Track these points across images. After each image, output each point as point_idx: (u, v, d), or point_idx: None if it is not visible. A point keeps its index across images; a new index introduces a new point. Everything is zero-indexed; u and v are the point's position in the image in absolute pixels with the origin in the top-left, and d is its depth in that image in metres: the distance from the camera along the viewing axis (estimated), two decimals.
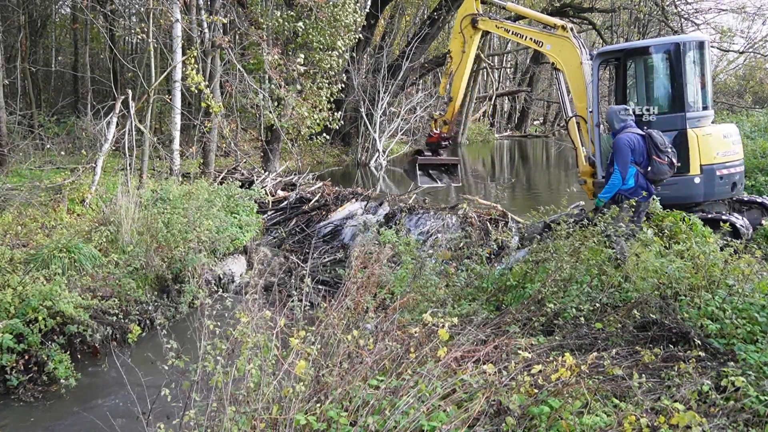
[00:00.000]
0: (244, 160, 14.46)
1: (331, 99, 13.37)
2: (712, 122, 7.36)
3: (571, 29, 7.83)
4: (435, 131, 9.21)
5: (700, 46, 7.08)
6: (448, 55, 9.02)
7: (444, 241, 8.95)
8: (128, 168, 8.80)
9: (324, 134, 13.25)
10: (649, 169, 6.01)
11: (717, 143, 6.92)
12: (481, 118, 36.98)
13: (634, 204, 5.80)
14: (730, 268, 4.33)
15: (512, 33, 8.56)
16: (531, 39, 8.24)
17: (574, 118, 7.78)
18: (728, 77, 33.25)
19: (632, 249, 4.97)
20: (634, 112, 7.20)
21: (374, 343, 3.49)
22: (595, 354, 3.23)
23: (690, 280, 4.30)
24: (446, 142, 9.38)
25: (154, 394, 3.48)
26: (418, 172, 9.18)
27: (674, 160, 6.02)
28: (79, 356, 5.78)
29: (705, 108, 7.01)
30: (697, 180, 6.73)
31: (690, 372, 3.18)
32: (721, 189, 6.88)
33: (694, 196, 6.80)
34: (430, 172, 9.40)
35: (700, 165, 6.74)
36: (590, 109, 7.41)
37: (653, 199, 6.19)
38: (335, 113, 13.17)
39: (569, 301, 4.35)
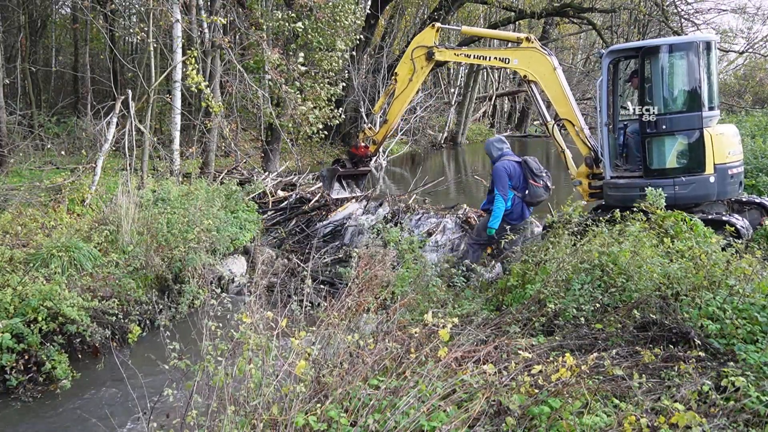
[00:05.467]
0: (244, 160, 14.46)
1: (332, 99, 13.36)
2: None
3: (535, 39, 7.85)
4: (362, 143, 9.12)
5: (711, 46, 7.06)
6: (393, 77, 8.76)
7: (444, 241, 8.96)
8: (128, 168, 8.79)
9: (324, 132, 13.21)
10: (527, 192, 6.61)
11: (728, 143, 6.94)
12: (481, 118, 36.99)
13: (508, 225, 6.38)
14: (732, 268, 4.33)
15: (474, 57, 8.44)
16: (496, 58, 8.20)
17: (555, 123, 7.85)
18: (728, 77, 33.25)
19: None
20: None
21: (375, 343, 3.49)
22: (595, 354, 3.23)
23: (691, 279, 4.30)
24: (369, 160, 9.43)
25: (154, 394, 3.48)
26: (335, 185, 9.22)
27: (549, 183, 6.64)
28: (79, 356, 5.78)
29: (712, 108, 7.02)
30: (711, 179, 6.75)
31: (690, 372, 3.17)
32: (732, 188, 6.92)
33: (709, 195, 6.83)
34: (344, 182, 9.48)
35: (714, 164, 6.76)
36: (599, 108, 7.40)
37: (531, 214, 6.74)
38: (335, 110, 13.16)
39: (570, 301, 4.34)
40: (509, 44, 8.26)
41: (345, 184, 9.60)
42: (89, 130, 11.23)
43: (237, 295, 7.76)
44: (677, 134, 6.91)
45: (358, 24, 14.31)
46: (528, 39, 7.79)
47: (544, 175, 6.66)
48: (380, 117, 9.10)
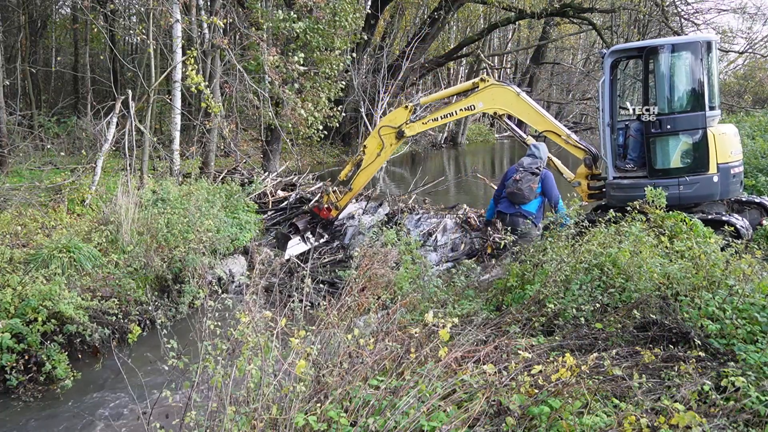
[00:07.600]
0: (244, 161, 14.46)
1: (332, 99, 13.35)
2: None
3: (489, 75, 7.92)
4: (326, 206, 9.03)
5: (712, 46, 7.06)
6: (361, 149, 8.74)
7: (444, 240, 8.96)
8: (128, 168, 8.79)
9: (324, 131, 13.19)
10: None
11: (730, 142, 6.94)
12: (481, 117, 36.93)
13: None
14: (731, 268, 4.32)
15: (441, 118, 8.41)
16: (461, 110, 8.23)
17: (532, 138, 8.05)
18: (728, 77, 33.22)
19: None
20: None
21: (374, 343, 3.49)
22: (595, 354, 3.22)
23: (691, 280, 4.30)
24: (330, 224, 9.41)
25: (154, 394, 3.48)
26: (292, 240, 9.08)
27: (515, 189, 7.29)
28: (79, 356, 5.79)
29: (713, 108, 7.02)
30: (715, 179, 6.76)
31: (690, 372, 3.17)
32: (734, 187, 6.93)
33: (713, 194, 6.84)
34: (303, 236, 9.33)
35: (717, 164, 6.76)
36: (602, 108, 7.39)
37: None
38: (335, 110, 13.14)
39: (570, 301, 4.34)
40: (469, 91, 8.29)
41: (302, 236, 9.44)
42: (89, 130, 11.22)
43: (237, 295, 7.76)
44: (681, 134, 6.90)
45: (358, 24, 14.30)
46: (482, 80, 7.91)
47: (510, 182, 7.34)
48: (345, 184, 8.94)
